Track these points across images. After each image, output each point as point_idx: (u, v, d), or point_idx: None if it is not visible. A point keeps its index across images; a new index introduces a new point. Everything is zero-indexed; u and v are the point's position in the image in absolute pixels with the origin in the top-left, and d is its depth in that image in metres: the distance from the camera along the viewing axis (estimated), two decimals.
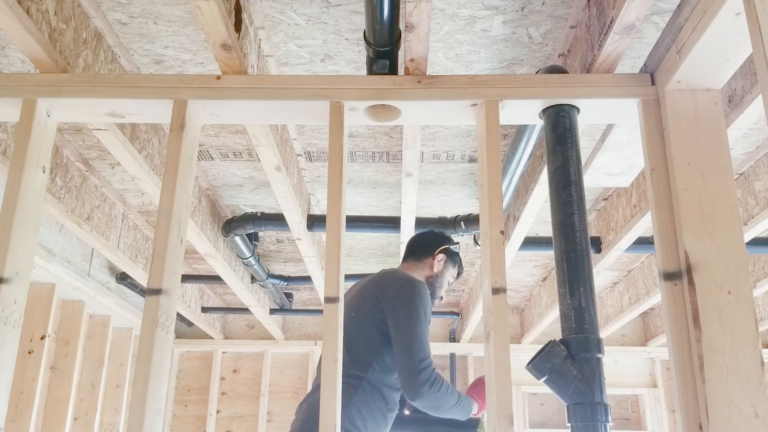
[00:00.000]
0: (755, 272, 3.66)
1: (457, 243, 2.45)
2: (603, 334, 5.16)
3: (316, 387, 2.11)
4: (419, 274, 2.32)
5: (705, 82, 1.58)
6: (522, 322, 5.86)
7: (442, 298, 2.40)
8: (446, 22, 1.99)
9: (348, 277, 3.66)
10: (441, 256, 2.35)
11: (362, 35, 1.83)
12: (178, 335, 5.87)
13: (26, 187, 1.68)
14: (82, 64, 1.95)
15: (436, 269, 2.34)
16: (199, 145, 2.78)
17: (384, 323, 2.08)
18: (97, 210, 3.13)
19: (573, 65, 2.00)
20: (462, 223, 3.21)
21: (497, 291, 1.51)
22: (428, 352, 2.03)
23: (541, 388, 5.42)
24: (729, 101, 1.94)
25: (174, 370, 5.86)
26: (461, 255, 4.42)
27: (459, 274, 2.45)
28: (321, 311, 2.50)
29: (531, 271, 4.77)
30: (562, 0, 1.90)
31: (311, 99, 1.76)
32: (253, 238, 3.86)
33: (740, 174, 2.83)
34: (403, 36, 1.76)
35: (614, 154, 2.26)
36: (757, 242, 3.16)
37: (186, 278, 4.55)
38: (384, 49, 1.79)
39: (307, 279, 4.48)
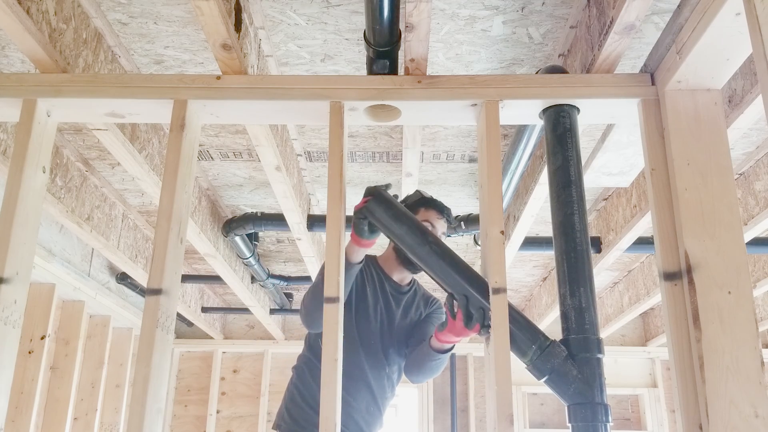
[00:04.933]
0: (755, 272, 3.66)
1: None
2: (603, 334, 5.16)
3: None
4: (384, 251, 2.17)
5: (705, 82, 1.57)
6: None
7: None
8: (446, 22, 1.99)
9: None
10: None
11: (362, 35, 1.83)
12: (178, 335, 5.86)
13: (26, 187, 1.68)
14: (82, 64, 1.95)
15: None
16: (199, 145, 2.78)
17: None
18: (97, 210, 3.13)
19: (573, 65, 2.00)
20: (462, 223, 3.21)
21: (497, 291, 1.51)
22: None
23: (541, 388, 5.41)
24: (729, 101, 1.94)
25: (174, 370, 5.85)
26: (461, 255, 4.43)
27: (438, 210, 2.03)
28: None
29: (531, 271, 4.76)
30: (562, 0, 1.90)
31: (311, 99, 1.76)
32: (253, 238, 3.85)
33: (740, 174, 2.83)
34: (403, 36, 1.76)
35: (614, 154, 2.26)
36: (757, 242, 3.16)
37: (186, 278, 4.55)
38: (384, 49, 1.79)
39: (307, 279, 4.48)
